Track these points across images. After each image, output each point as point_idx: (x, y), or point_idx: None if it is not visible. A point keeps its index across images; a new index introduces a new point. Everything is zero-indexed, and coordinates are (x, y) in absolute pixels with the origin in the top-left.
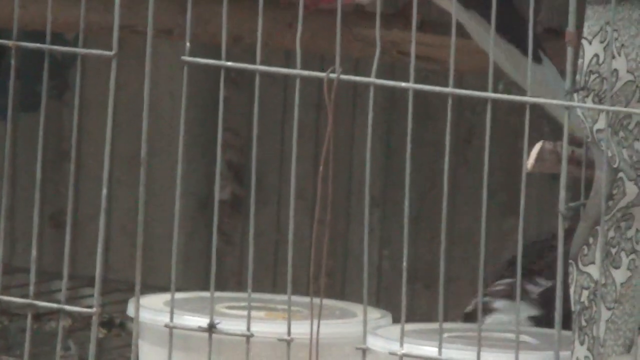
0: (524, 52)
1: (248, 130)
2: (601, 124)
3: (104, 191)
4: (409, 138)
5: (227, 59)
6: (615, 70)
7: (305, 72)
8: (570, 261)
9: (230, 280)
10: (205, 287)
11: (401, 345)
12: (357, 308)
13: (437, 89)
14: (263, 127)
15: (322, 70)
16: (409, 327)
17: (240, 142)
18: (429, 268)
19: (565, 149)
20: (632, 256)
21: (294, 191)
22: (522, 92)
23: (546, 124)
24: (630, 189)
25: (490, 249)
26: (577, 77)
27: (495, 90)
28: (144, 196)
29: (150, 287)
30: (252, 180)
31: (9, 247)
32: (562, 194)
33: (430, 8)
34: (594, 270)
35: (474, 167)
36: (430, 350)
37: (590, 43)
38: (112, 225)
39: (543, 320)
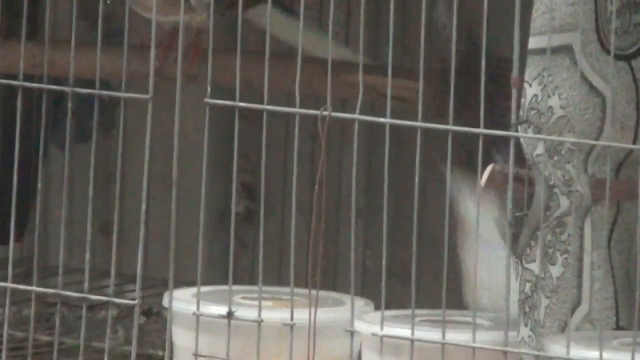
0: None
1: (257, 156)
2: (540, 149)
3: (143, 206)
4: (386, 161)
5: (240, 100)
6: (550, 107)
7: (303, 110)
8: (516, 259)
9: (245, 276)
10: (224, 282)
11: (381, 328)
12: (346, 298)
13: (409, 123)
14: (269, 154)
15: (317, 109)
16: (388, 313)
17: (251, 166)
18: (403, 265)
19: (511, 170)
20: (565, 255)
21: (294, 205)
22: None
23: (495, 149)
24: (564, 201)
25: (452, 249)
26: (520, 112)
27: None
28: (175, 209)
29: (181, 282)
30: (261, 197)
31: (67, 251)
32: (509, 205)
33: (403, 58)
34: (535, 267)
35: (440, 183)
36: (404, 331)
37: (530, 85)
38: (149, 233)
39: None
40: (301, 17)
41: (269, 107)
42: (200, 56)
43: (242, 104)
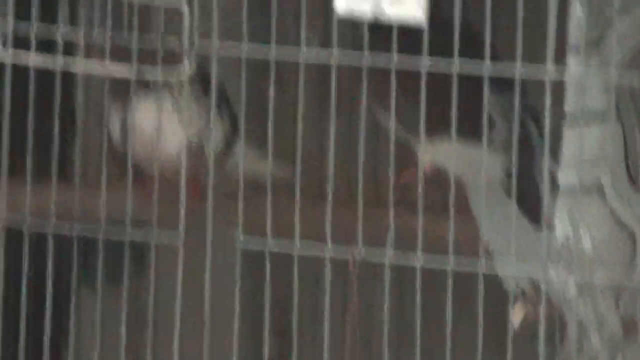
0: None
1: (289, 300)
2: (571, 288)
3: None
4: (418, 301)
5: (271, 243)
6: (582, 245)
7: (334, 254)
8: None
9: None
10: None
11: None
12: None
13: (438, 266)
14: (300, 297)
15: (348, 248)
16: None
17: (283, 310)
18: None
19: (542, 309)
20: None
21: (327, 349)
22: None
23: (527, 290)
24: (595, 340)
25: None
26: (552, 251)
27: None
28: (207, 355)
29: None
30: (293, 341)
31: None
32: (541, 345)
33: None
34: None
35: (471, 329)
36: None
37: (561, 225)
38: None
39: None
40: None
41: (301, 252)
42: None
43: (274, 247)
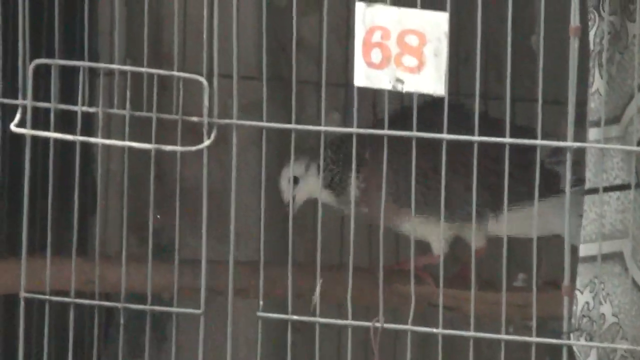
0: None
1: None
2: (592, 357)
3: None
4: None
5: (293, 313)
6: (603, 314)
7: (355, 322)
8: None
9: None
10: None
11: None
12: None
13: (460, 333)
14: None
15: (368, 319)
16: None
17: None
18: None
19: None
20: None
21: None
22: None
23: (548, 357)
24: None
25: None
26: (572, 320)
27: (506, 331)
28: None
29: None
30: None
31: None
32: None
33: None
34: None
35: None
36: None
37: (582, 293)
38: None
39: None
40: None
41: (322, 320)
42: None
43: (295, 317)
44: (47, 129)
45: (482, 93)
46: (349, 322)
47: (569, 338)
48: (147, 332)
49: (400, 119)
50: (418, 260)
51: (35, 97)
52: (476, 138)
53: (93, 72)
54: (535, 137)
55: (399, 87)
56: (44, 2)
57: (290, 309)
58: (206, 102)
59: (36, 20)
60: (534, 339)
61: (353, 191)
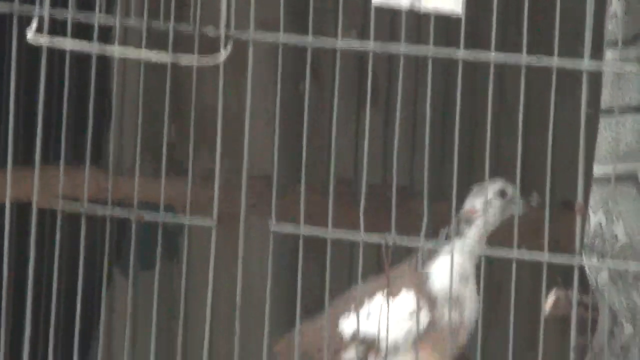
0: None
1: (321, 284)
2: (604, 276)
3: (206, 344)
4: (450, 286)
5: (304, 231)
6: (615, 234)
7: (367, 238)
8: None
9: None
10: None
11: None
12: None
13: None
14: (333, 281)
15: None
16: None
17: (315, 295)
18: None
19: (575, 296)
20: None
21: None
22: None
23: (559, 277)
24: (628, 329)
25: None
26: (585, 239)
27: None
28: (238, 339)
29: None
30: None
31: None
32: (573, 333)
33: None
34: None
35: (503, 313)
36: None
37: (595, 213)
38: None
39: None
40: None
41: (332, 236)
42: None
43: (307, 230)
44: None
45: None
46: (361, 237)
47: (581, 257)
48: (159, 244)
49: None
50: None
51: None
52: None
53: None
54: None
55: (417, 6)
56: None
57: (302, 223)
58: (224, 13)
59: None
60: (546, 258)
61: None
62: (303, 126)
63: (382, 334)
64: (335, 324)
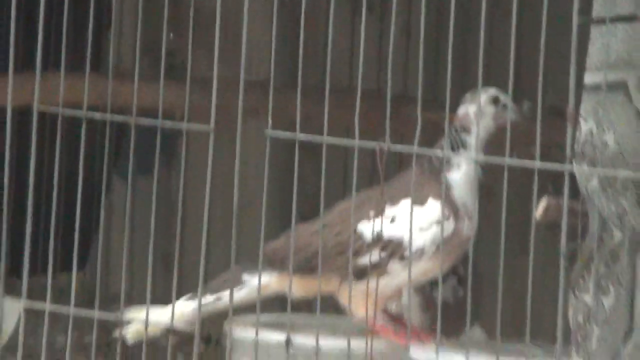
0: None
1: (316, 188)
2: (594, 183)
3: (203, 241)
4: (442, 193)
5: (301, 133)
6: (605, 141)
7: (362, 142)
8: (569, 290)
9: (304, 305)
10: (283, 310)
11: (437, 356)
12: None
13: (465, 156)
14: (328, 186)
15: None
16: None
17: (310, 197)
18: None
19: (565, 202)
20: (618, 287)
21: (353, 237)
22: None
23: (550, 184)
24: (617, 234)
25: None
26: (576, 147)
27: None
28: (235, 240)
29: (241, 310)
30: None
31: (129, 279)
32: (563, 238)
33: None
34: (588, 297)
35: (494, 219)
36: (459, 358)
37: (585, 120)
38: (210, 263)
39: None
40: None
41: (329, 139)
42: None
43: (302, 136)
44: None
45: None
46: (356, 142)
47: (571, 164)
48: (158, 149)
49: None
50: None
51: None
52: None
53: None
54: None
55: None
56: None
57: (298, 127)
58: None
59: None
60: (537, 165)
61: None
62: (300, 33)
63: (407, 239)
64: (345, 227)
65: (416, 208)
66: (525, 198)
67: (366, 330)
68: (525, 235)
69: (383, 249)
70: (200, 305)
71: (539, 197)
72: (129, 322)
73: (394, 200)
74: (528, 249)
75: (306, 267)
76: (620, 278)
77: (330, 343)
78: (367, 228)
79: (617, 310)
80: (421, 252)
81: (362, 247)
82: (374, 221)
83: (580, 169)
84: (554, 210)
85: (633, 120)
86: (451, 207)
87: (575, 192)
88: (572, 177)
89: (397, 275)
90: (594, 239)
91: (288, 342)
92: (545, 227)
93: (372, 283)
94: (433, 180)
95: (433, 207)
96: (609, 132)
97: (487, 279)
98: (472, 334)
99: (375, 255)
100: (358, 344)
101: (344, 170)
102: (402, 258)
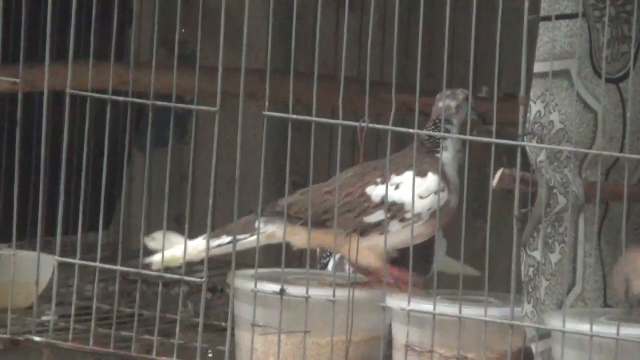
0: None
1: (306, 160)
2: (542, 157)
3: (210, 202)
4: (414, 166)
5: (293, 113)
6: (551, 121)
7: (345, 122)
8: (521, 248)
9: (295, 261)
10: (278, 266)
11: (408, 304)
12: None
13: (433, 133)
14: (316, 159)
15: (357, 122)
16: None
17: (301, 169)
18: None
19: (518, 173)
20: (562, 245)
21: (337, 201)
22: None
23: (505, 157)
24: (561, 200)
25: (467, 240)
26: (527, 125)
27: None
28: (237, 204)
29: (242, 265)
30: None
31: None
32: (516, 203)
33: (428, 81)
34: (537, 254)
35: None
36: (428, 307)
37: (535, 103)
38: (215, 224)
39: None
40: None
41: (317, 119)
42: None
43: (294, 116)
44: None
45: None
46: (340, 121)
47: (523, 140)
48: (171, 127)
49: None
50: None
51: None
52: None
53: None
54: None
55: None
56: None
57: (290, 109)
58: None
59: None
60: (494, 140)
61: None
62: (292, 27)
63: (409, 203)
64: (355, 190)
65: (417, 179)
66: (483, 169)
67: (348, 282)
68: (484, 201)
69: (387, 210)
70: (208, 246)
71: (496, 168)
72: (153, 253)
73: (399, 172)
74: (486, 212)
75: (316, 222)
76: (565, 238)
77: (318, 292)
78: (374, 191)
79: (561, 265)
80: (418, 216)
81: (369, 207)
82: (380, 186)
83: (530, 144)
84: (508, 180)
85: (575, 103)
86: (445, 181)
87: (526, 164)
88: (524, 151)
89: (397, 235)
90: (542, 204)
91: (282, 291)
92: (501, 194)
93: (375, 239)
94: (429, 158)
95: (432, 180)
96: (555, 113)
97: (451, 238)
98: (465, 270)
99: (378, 215)
100: (341, 293)
101: (330, 145)
102: (402, 220)
